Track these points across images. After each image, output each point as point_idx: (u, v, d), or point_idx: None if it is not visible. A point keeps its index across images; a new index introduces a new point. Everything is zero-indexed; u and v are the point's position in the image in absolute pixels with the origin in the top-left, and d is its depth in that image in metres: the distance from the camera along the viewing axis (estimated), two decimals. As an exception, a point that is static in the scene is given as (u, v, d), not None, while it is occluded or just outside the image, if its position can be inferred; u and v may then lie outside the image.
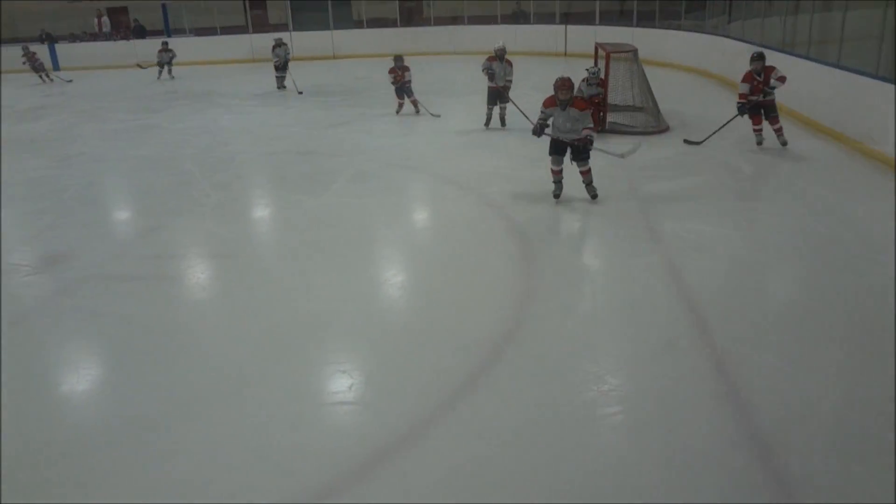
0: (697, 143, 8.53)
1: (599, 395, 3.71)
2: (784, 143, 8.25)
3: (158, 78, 17.84)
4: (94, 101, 15.23)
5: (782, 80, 7.94)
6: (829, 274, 5.10)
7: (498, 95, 9.83)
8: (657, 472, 3.11)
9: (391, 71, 10.97)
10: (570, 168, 6.62)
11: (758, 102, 8.12)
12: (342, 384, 3.89)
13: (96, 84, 18.08)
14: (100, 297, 5.21)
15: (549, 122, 6.58)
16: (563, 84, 6.32)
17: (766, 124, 8.27)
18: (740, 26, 13.58)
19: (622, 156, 6.69)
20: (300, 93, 14.21)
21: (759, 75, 8.05)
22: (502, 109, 9.96)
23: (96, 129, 11.96)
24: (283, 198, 7.67)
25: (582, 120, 6.34)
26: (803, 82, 9.72)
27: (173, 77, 17.87)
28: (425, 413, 3.59)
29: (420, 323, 4.64)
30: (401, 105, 11.25)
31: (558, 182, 6.65)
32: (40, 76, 18.76)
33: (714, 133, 8.46)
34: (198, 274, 5.72)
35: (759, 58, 8.09)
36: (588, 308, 4.81)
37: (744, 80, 8.16)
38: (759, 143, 8.40)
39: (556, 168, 6.60)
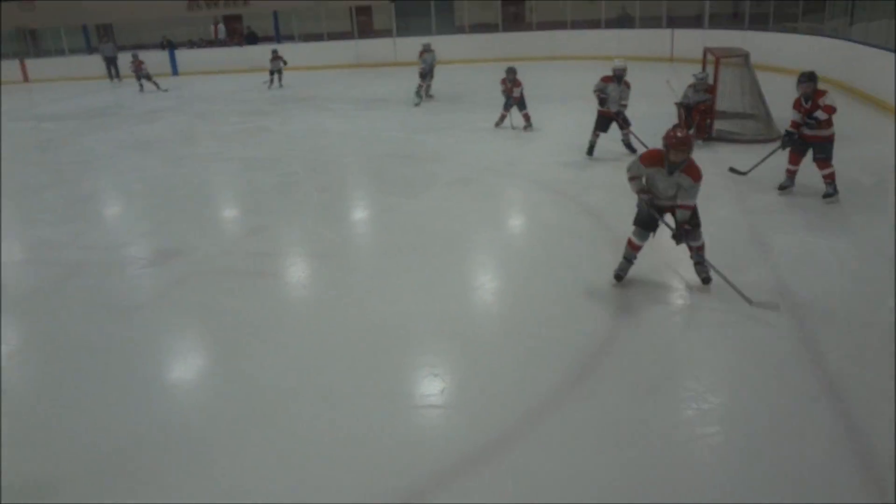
0: (743, 174, 7.31)
1: (698, 414, 3.56)
2: (829, 195, 6.57)
3: (269, 88, 17.59)
4: (207, 103, 16.03)
5: (829, 110, 6.40)
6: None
7: (608, 123, 8.63)
8: (758, 496, 2.95)
9: (502, 82, 10.51)
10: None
11: (804, 137, 6.62)
12: (434, 387, 3.90)
13: (211, 88, 19.01)
14: (207, 290, 5.46)
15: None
16: (682, 142, 4.53)
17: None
18: (864, 28, 12.79)
19: (750, 301, 4.61)
20: (430, 95, 14.12)
21: (807, 101, 6.53)
22: (626, 135, 8.75)
23: (209, 130, 12.58)
24: (382, 200, 7.79)
25: (690, 192, 4.67)
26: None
27: (282, 86, 17.72)
28: (516, 421, 3.55)
29: (513, 330, 4.60)
30: (502, 118, 10.73)
31: (630, 259, 5.04)
32: (140, 84, 18.83)
33: (759, 164, 7.20)
34: (298, 272, 5.90)
35: (807, 79, 6.53)
36: (689, 322, 4.62)
37: (794, 107, 6.67)
38: (782, 187, 6.91)
39: (637, 243, 4.98)
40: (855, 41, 12.60)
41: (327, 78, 19.49)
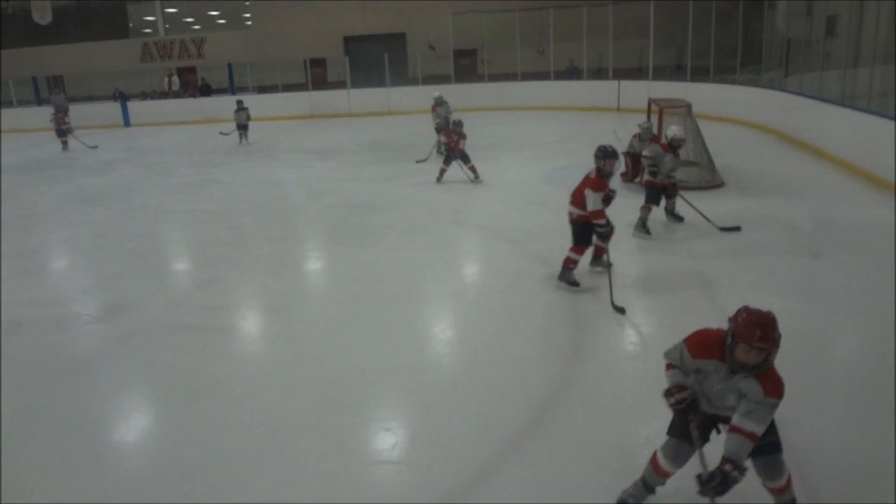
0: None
1: (650, 461, 3.58)
2: (609, 266, 5.96)
3: (240, 143, 16.31)
4: (159, 155, 15.89)
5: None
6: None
7: (661, 194, 7.39)
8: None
9: (446, 133, 10.32)
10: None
11: (574, 218, 5.89)
12: (386, 442, 3.86)
13: (163, 139, 18.87)
14: (155, 347, 5.34)
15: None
16: (765, 335, 2.69)
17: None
18: (798, 80, 13.41)
19: None
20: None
21: (608, 178, 5.76)
22: (671, 204, 7.78)
23: (160, 182, 12.44)
24: (334, 251, 7.78)
25: (756, 411, 2.74)
26: (864, 136, 9.51)
27: (250, 142, 16.44)
28: (470, 475, 3.53)
29: (467, 381, 4.59)
30: (443, 173, 10.44)
31: (652, 488, 3.14)
32: (62, 142, 17.26)
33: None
34: (249, 326, 5.82)
35: (612, 155, 5.69)
36: (639, 368, 4.67)
37: (595, 188, 5.60)
38: (573, 282, 5.92)
39: (666, 468, 3.06)
40: (790, 92, 13.21)
41: (281, 129, 19.53)
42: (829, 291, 5.79)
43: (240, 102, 16.72)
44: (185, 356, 5.11)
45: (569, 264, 5.92)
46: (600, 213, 5.66)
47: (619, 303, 5.48)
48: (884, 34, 10.38)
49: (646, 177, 7.35)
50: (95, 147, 17.21)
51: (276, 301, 6.24)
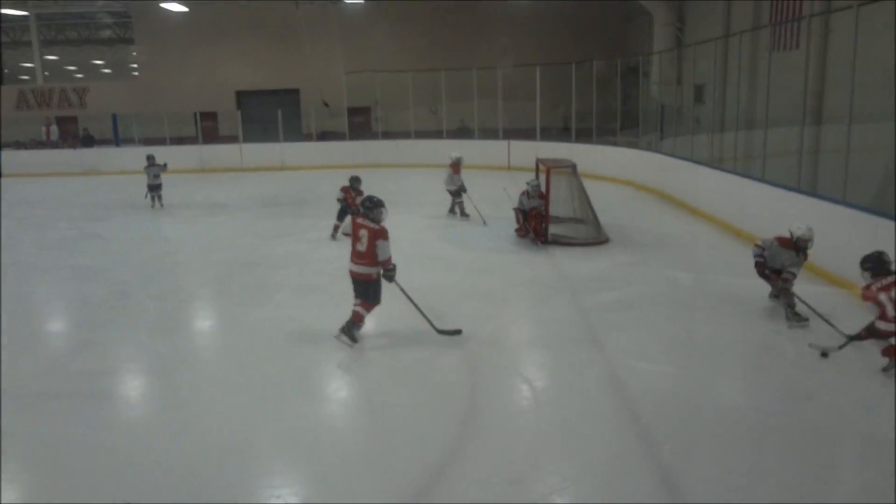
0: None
1: (544, 517, 3.61)
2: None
3: (152, 206, 14.05)
4: (34, 208, 14.95)
5: None
6: (770, 380, 5.23)
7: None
8: None
9: (344, 189, 10.31)
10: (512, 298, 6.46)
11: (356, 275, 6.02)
12: (276, 511, 3.70)
13: (39, 191, 17.78)
14: (23, 416, 4.91)
15: None
16: None
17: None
18: (672, 143, 14.37)
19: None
20: (466, 214, 11.67)
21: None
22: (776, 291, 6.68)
23: (34, 237, 11.67)
24: (223, 310, 7.53)
25: None
26: (732, 195, 10.27)
27: (163, 206, 14.15)
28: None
29: (361, 442, 4.51)
30: (337, 228, 10.36)
31: None
32: None
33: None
34: (129, 392, 5.50)
35: (380, 203, 5.99)
36: (533, 424, 4.74)
37: (385, 237, 5.84)
38: (354, 339, 6.03)
39: None
40: (665, 154, 14.12)
41: (168, 182, 18.75)
42: (704, 336, 6.17)
43: (150, 158, 13.94)
44: (56, 426, 4.74)
45: (358, 321, 6.06)
46: (389, 260, 5.92)
47: (444, 327, 5.79)
48: (745, 102, 11.34)
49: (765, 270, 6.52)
50: None
51: (160, 364, 5.94)
